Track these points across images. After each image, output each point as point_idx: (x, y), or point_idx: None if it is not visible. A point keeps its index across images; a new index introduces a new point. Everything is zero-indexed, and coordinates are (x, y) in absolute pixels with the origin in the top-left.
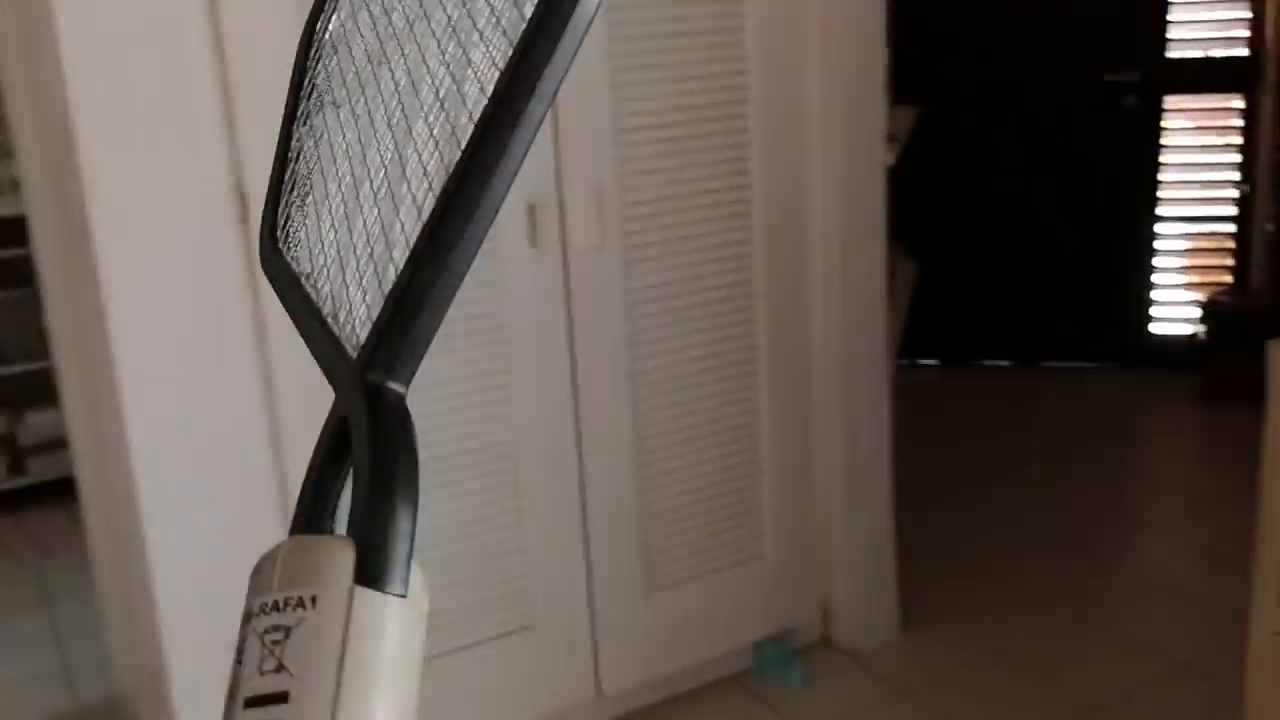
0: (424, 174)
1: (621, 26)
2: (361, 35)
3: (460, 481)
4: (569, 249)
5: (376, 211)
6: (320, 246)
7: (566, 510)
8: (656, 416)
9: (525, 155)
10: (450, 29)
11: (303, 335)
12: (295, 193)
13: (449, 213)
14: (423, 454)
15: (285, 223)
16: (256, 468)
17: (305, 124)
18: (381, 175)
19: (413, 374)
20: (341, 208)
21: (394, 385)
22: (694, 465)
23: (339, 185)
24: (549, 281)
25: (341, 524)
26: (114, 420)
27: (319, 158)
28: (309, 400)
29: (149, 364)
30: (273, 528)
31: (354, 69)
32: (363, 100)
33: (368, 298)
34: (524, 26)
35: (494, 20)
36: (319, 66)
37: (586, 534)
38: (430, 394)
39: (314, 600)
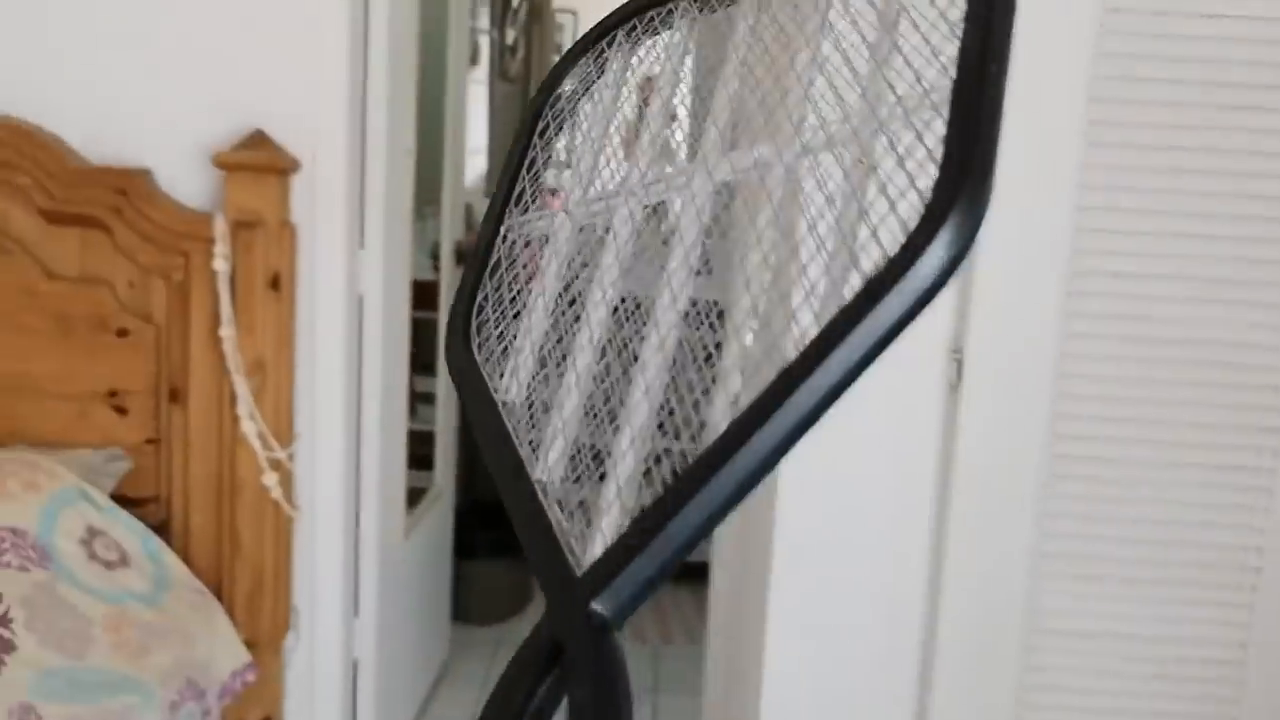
0: (693, 417)
1: None
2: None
3: (1163, 694)
4: None
5: (627, 417)
6: (538, 400)
7: None
8: None
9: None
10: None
11: (493, 469)
12: (501, 309)
13: (721, 474)
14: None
15: (481, 325)
16: (876, 615)
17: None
18: (640, 381)
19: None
20: (572, 376)
21: (616, 619)
22: None
23: (570, 354)
24: None
25: None
26: (762, 529)
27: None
28: (960, 569)
29: (810, 480)
30: (880, 670)
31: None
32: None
33: (603, 502)
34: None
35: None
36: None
37: None
38: (1144, 588)
39: None
